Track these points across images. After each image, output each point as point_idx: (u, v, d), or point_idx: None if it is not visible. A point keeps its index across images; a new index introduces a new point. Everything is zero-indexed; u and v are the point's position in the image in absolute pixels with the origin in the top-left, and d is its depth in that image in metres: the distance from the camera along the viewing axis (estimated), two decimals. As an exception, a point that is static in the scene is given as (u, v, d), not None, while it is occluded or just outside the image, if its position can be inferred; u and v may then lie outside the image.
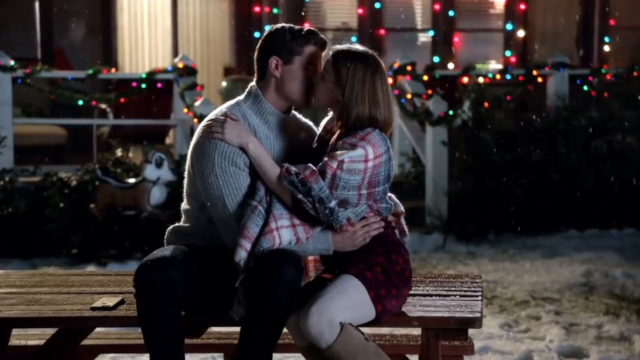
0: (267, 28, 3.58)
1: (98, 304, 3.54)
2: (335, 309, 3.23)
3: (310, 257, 3.59)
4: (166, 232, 3.61)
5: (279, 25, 3.54)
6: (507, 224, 8.82)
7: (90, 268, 7.61)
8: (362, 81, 3.36)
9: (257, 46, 3.53)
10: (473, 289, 3.77)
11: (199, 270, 3.37)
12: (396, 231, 3.57)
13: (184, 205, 3.58)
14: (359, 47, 3.45)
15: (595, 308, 6.30)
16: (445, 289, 3.77)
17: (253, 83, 3.56)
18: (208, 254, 3.44)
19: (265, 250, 3.29)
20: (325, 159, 3.32)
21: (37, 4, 11.56)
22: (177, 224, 3.59)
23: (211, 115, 3.48)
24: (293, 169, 3.33)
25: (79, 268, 7.59)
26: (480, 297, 3.65)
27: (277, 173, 3.36)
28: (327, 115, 3.59)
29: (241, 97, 3.57)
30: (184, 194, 3.58)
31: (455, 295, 3.66)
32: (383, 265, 3.39)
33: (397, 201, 3.61)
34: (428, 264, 7.81)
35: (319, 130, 3.61)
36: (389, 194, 3.53)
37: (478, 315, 3.41)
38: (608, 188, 9.00)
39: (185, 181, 3.56)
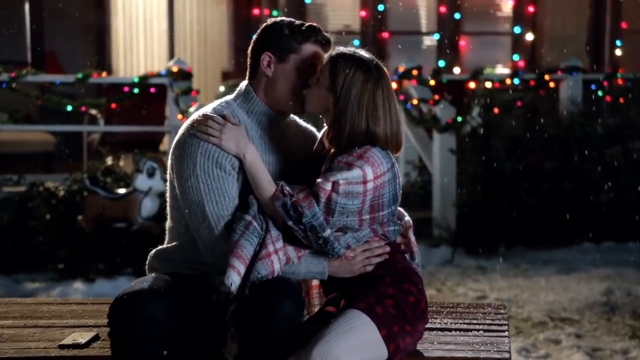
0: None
1: (68, 340, 3.08)
2: (341, 351, 2.77)
3: (314, 283, 3.13)
4: (148, 257, 3.14)
5: (278, 19, 3.07)
6: (518, 236, 8.44)
7: (77, 284, 7.21)
8: (360, 93, 2.90)
9: (252, 39, 3.07)
10: (498, 321, 3.32)
11: (184, 305, 2.90)
12: (406, 255, 3.11)
13: (168, 222, 3.11)
14: (364, 53, 2.98)
15: (620, 331, 5.84)
16: (466, 321, 3.31)
17: (245, 81, 3.10)
18: (195, 284, 2.98)
19: (263, 278, 2.83)
20: (318, 180, 2.86)
21: (27, 5, 11.12)
22: (159, 247, 3.12)
23: (200, 113, 3.00)
24: (287, 188, 2.87)
25: (65, 284, 7.21)
26: (507, 332, 3.19)
27: (272, 191, 2.90)
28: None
29: (231, 95, 3.11)
30: (167, 208, 3.10)
31: (478, 330, 3.20)
32: (394, 297, 2.93)
33: (403, 211, 3.13)
34: (436, 280, 7.36)
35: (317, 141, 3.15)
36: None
37: (507, 355, 2.96)
38: (625, 198, 8.56)
39: (168, 192, 3.08)
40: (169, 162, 3.02)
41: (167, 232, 3.10)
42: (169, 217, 3.08)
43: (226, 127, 2.93)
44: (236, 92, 3.09)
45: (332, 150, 2.96)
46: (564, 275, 7.40)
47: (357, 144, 2.90)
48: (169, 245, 3.07)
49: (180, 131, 3.00)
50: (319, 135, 3.13)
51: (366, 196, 2.87)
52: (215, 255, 2.90)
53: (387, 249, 2.97)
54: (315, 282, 3.12)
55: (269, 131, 3.05)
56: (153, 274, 3.02)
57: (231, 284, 2.81)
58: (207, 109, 3.03)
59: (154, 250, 3.12)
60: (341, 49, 2.99)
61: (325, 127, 3.06)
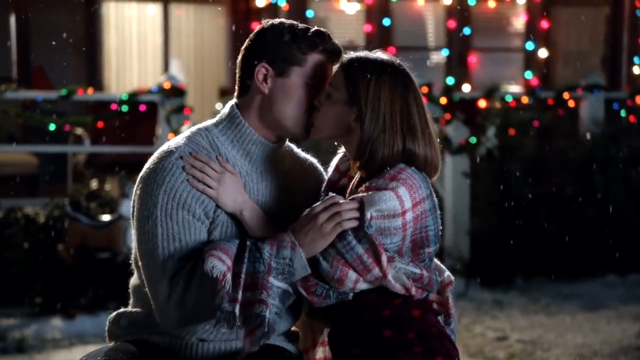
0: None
1: None
2: None
3: (319, 356, 2.52)
4: (107, 322, 2.48)
5: (276, 21, 2.41)
6: (537, 267, 7.93)
7: (56, 320, 6.61)
8: (390, 100, 2.30)
9: (243, 46, 2.42)
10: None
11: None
12: (440, 318, 2.47)
13: (134, 280, 2.49)
14: (381, 54, 2.35)
15: (662, 381, 5.20)
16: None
17: (232, 101, 2.46)
18: (169, 355, 2.33)
19: (286, 293, 2.24)
20: None
21: (12, 18, 10.55)
22: (122, 311, 2.48)
23: (172, 145, 2.37)
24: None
25: (43, 320, 6.62)
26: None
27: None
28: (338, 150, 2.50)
29: (213, 120, 2.47)
30: (132, 262, 2.48)
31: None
32: (424, 374, 2.29)
33: (442, 266, 2.52)
34: (450, 316, 6.70)
35: (328, 171, 2.50)
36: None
37: None
38: (652, 226, 8.01)
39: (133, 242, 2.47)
40: (132, 202, 2.39)
41: (131, 292, 2.44)
42: (135, 273, 2.44)
43: (224, 177, 2.34)
44: (219, 115, 2.46)
45: (357, 178, 2.33)
46: (591, 313, 6.75)
47: (391, 165, 2.28)
48: (135, 309, 2.41)
49: (147, 165, 2.37)
50: (332, 163, 2.50)
51: (406, 230, 2.26)
52: (167, 319, 2.29)
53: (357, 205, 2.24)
54: (320, 355, 2.48)
55: (259, 164, 2.42)
56: (112, 344, 2.37)
57: (212, 267, 2.18)
58: (181, 138, 2.40)
59: (114, 314, 2.48)
60: (351, 53, 2.38)
61: (340, 153, 2.44)
